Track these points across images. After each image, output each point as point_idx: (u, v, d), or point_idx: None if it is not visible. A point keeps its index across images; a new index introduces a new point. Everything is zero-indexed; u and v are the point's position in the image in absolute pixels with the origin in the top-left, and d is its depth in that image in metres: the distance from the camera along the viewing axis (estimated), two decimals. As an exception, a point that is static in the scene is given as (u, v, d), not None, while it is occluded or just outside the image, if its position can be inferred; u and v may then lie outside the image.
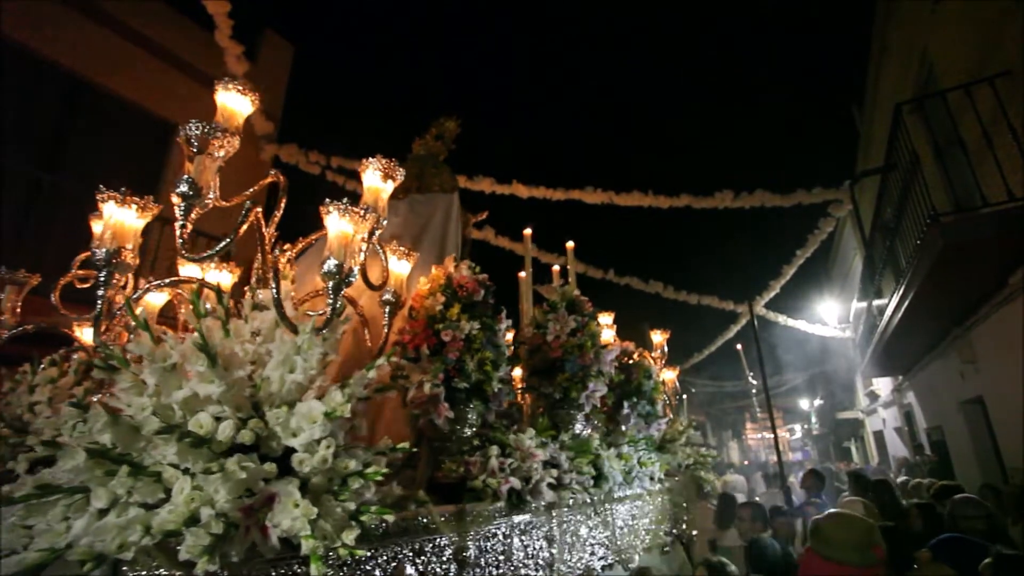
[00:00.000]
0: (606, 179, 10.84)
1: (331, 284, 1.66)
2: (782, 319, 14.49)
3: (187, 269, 2.69)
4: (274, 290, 1.57)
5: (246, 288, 1.89)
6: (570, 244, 3.86)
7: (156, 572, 1.23)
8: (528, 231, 3.84)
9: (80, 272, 2.67)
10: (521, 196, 10.58)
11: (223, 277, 2.37)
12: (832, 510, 3.05)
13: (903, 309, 6.95)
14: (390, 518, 1.46)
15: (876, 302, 9.51)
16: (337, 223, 1.69)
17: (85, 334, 2.82)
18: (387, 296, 2.07)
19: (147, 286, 1.84)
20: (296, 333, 1.54)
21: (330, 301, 1.65)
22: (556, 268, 3.73)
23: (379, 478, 1.45)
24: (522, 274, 3.73)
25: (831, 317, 14.90)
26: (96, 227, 2.75)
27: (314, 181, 9.94)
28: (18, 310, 2.64)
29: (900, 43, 9.41)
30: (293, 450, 1.42)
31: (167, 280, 1.91)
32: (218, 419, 1.34)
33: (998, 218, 4.82)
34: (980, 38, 6.17)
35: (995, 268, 5.50)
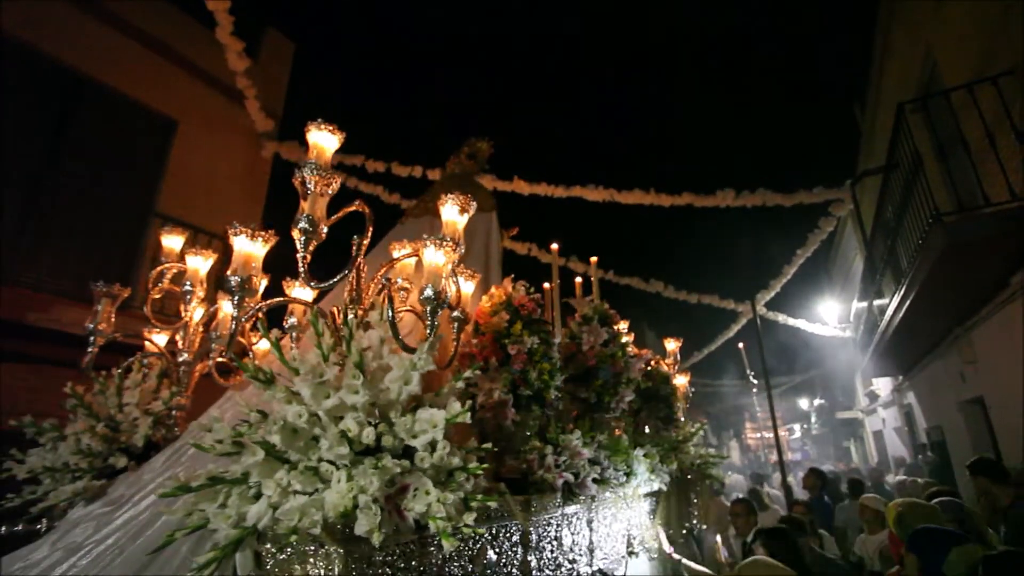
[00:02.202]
0: (607, 177, 11.03)
1: (428, 308, 2.01)
2: (782, 318, 14.84)
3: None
4: (390, 315, 1.90)
5: (339, 309, 2.19)
6: (593, 259, 4.20)
7: (301, 548, 1.59)
8: (556, 246, 4.16)
9: (166, 286, 2.95)
10: (522, 193, 10.84)
11: (306, 293, 2.67)
12: (908, 499, 3.47)
13: (904, 308, 7.15)
14: (493, 504, 1.80)
15: (877, 302, 9.75)
16: (432, 255, 2.04)
17: (156, 340, 3.13)
18: (456, 313, 2.39)
19: (259, 305, 2.12)
20: (406, 351, 1.89)
21: (428, 322, 2.01)
22: (579, 280, 4.05)
23: (479, 473, 1.81)
24: (546, 285, 4.05)
25: (831, 317, 15.27)
26: (166, 241, 3.07)
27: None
28: (112, 319, 2.91)
29: (903, 42, 9.63)
30: (410, 448, 1.74)
31: (276, 300, 2.19)
32: (358, 424, 1.67)
33: (1000, 217, 4.98)
34: (984, 37, 6.37)
35: (997, 268, 5.68)
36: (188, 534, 1.66)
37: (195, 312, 2.93)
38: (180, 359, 2.96)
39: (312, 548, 1.60)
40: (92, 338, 2.86)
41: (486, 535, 2.11)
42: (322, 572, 1.57)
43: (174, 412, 2.89)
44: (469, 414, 1.80)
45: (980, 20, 6.50)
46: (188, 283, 2.80)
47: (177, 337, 3.08)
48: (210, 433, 1.75)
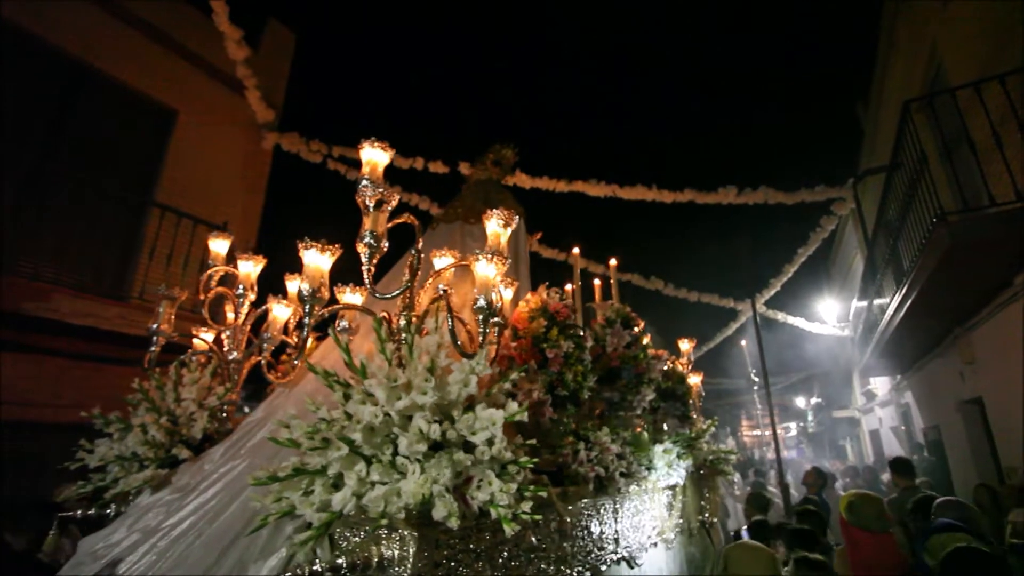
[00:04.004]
0: (609, 172, 11.23)
1: (481, 317, 2.25)
2: (781, 316, 15.13)
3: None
4: (449, 322, 2.13)
5: (390, 314, 2.42)
6: (613, 262, 4.44)
7: (374, 531, 1.85)
8: (576, 250, 4.40)
9: (220, 289, 3.17)
10: (524, 187, 11.03)
11: (355, 298, 2.90)
12: (858, 490, 3.98)
13: (905, 308, 7.30)
14: (543, 494, 2.04)
15: (877, 301, 9.94)
16: (484, 268, 2.28)
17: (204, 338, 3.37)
18: (497, 319, 2.63)
19: (322, 311, 2.34)
20: (464, 357, 2.15)
21: (481, 330, 2.25)
22: (598, 282, 4.29)
23: (531, 466, 2.05)
24: (569, 287, 4.28)
25: (831, 315, 15.56)
26: (213, 246, 3.29)
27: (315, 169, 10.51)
28: (172, 319, 3.13)
29: (908, 40, 9.73)
30: (469, 443, 2.00)
31: (336, 306, 2.42)
32: (426, 422, 1.91)
33: (1006, 218, 5.07)
34: (991, 36, 6.43)
35: (1000, 268, 5.79)
36: (278, 519, 1.91)
37: (243, 312, 3.18)
38: (231, 357, 3.21)
39: (385, 532, 1.86)
40: (155, 338, 3.11)
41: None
42: (396, 552, 1.83)
43: (226, 407, 3.15)
44: (526, 413, 2.04)
45: (987, 19, 6.61)
46: (241, 287, 3.07)
47: (223, 336, 3.33)
48: (287, 429, 2.00)
